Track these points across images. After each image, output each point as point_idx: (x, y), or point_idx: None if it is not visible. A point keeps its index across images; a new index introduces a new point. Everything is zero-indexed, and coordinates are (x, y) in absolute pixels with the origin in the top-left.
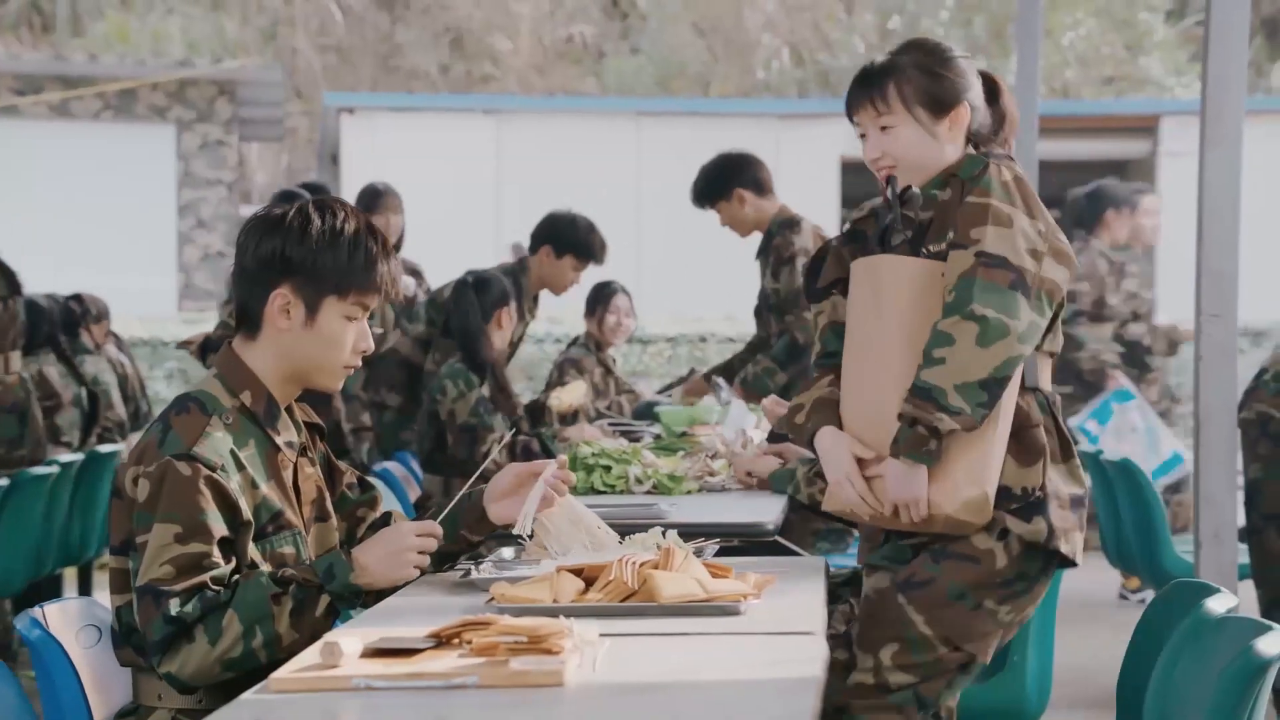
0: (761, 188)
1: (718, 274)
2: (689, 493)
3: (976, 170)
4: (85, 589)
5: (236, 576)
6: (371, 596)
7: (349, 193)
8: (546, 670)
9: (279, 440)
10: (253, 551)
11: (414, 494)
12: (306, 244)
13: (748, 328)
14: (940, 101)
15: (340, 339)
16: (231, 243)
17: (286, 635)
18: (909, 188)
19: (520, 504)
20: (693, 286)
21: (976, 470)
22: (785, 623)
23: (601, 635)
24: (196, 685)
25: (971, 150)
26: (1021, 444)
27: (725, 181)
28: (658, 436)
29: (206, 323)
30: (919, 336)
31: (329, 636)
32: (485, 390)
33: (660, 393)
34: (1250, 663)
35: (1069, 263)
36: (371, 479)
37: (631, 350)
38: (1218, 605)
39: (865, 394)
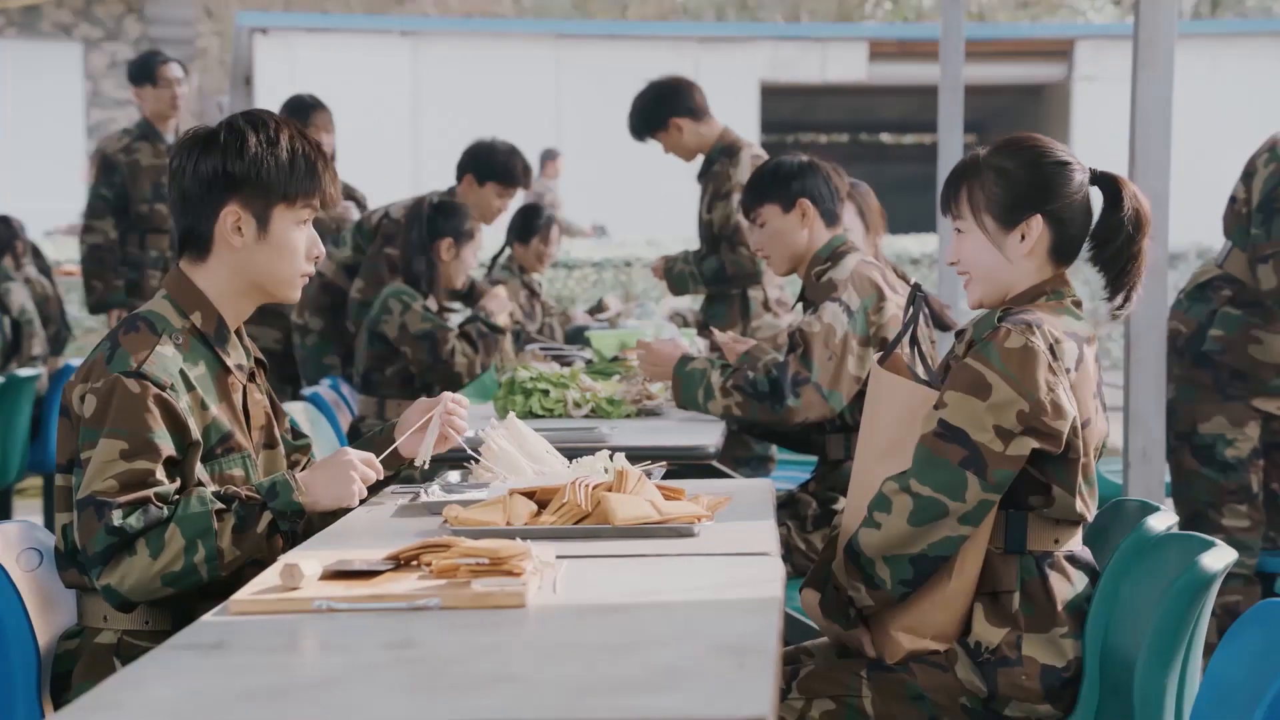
0: (697, 113)
1: (637, 198)
2: (627, 416)
3: (986, 332)
4: (4, 513)
5: (177, 497)
6: (317, 519)
7: None
8: (509, 592)
9: (229, 362)
10: (201, 472)
11: (344, 418)
12: (246, 157)
13: (672, 251)
14: (1009, 211)
15: (295, 246)
16: None
17: (228, 551)
18: (922, 298)
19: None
20: (612, 210)
21: (916, 626)
22: (740, 544)
23: (558, 557)
24: (135, 600)
25: (1052, 281)
26: (994, 604)
27: (658, 112)
28: (589, 361)
29: None
30: (894, 455)
31: (288, 558)
32: (431, 302)
33: (588, 312)
34: (1197, 577)
35: (1049, 440)
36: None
37: (557, 275)
38: (1158, 523)
39: (853, 496)
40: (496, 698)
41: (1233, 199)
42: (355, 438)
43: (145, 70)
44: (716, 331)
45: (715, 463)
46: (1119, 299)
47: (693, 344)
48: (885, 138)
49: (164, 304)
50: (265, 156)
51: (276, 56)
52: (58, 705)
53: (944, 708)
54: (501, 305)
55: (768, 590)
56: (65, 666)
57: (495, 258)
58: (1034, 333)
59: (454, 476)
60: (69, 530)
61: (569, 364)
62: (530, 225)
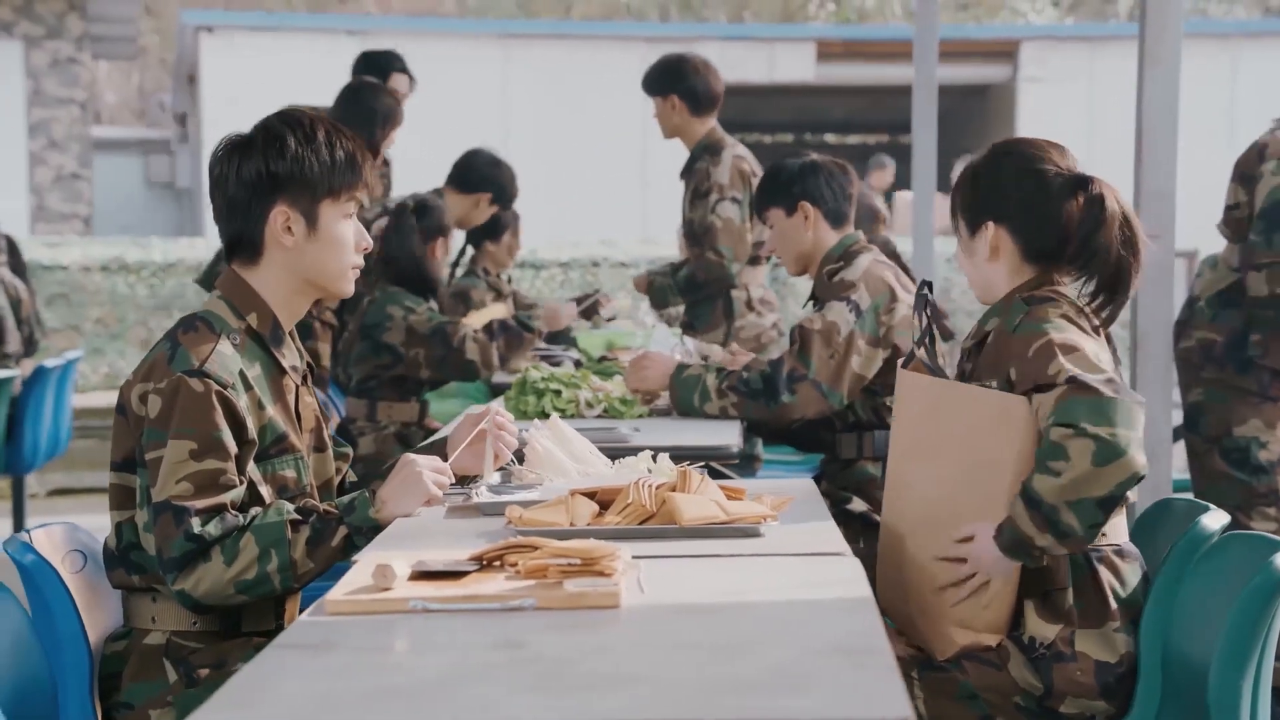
0: (699, 104)
1: (587, 197)
2: (640, 416)
3: (1017, 318)
4: None
5: (256, 509)
6: None
7: (210, 113)
8: (603, 592)
9: (284, 363)
10: (253, 472)
11: (332, 420)
12: (288, 156)
13: (632, 252)
14: (970, 215)
15: (344, 240)
16: (86, 164)
17: (301, 563)
18: (927, 297)
19: (476, 455)
20: (563, 210)
21: (968, 620)
22: (809, 544)
23: (634, 557)
24: (207, 605)
25: (1042, 278)
26: (1046, 601)
27: (665, 81)
28: (577, 363)
29: (66, 245)
30: (917, 452)
31: (379, 558)
32: (433, 304)
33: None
34: (1271, 578)
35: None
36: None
37: (524, 275)
38: (1212, 522)
39: (888, 498)
40: (627, 697)
41: (1234, 206)
42: (345, 438)
43: (377, 70)
44: (717, 348)
45: (714, 463)
46: (1105, 313)
47: (682, 343)
48: (830, 138)
49: (220, 305)
50: (306, 154)
51: (222, 55)
52: (105, 707)
53: (998, 706)
54: (555, 321)
55: (857, 590)
56: (113, 668)
57: (455, 261)
58: (1062, 301)
59: (496, 478)
60: (125, 527)
61: (557, 364)
62: (499, 222)
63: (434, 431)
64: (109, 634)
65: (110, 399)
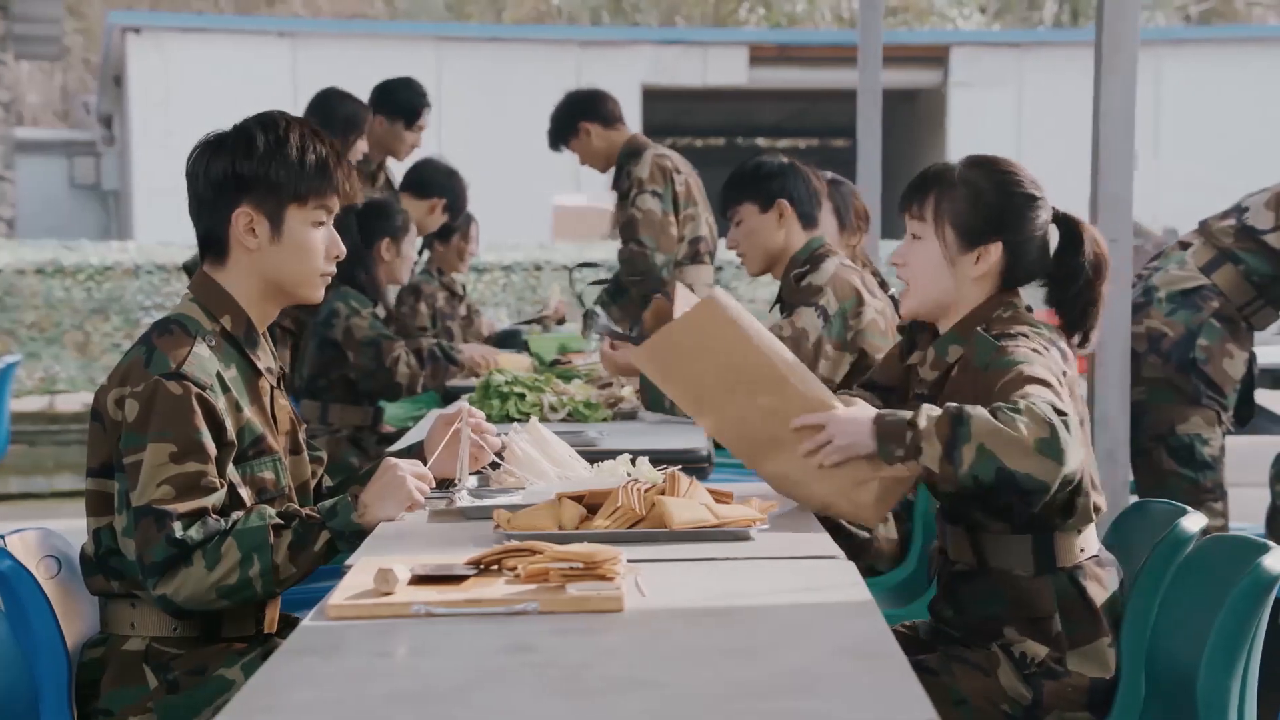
0: (608, 119)
1: (521, 200)
2: (604, 420)
3: (988, 355)
4: None
5: (238, 513)
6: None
7: (137, 115)
8: (606, 596)
9: (259, 365)
10: (232, 474)
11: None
12: (255, 157)
13: (573, 255)
14: (972, 231)
15: (311, 246)
16: (9, 166)
17: (284, 567)
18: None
19: (455, 458)
20: (498, 213)
21: (846, 490)
22: (800, 548)
23: (629, 561)
24: (189, 610)
25: (1001, 297)
26: (1032, 627)
27: (570, 118)
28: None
29: None
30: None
31: (373, 563)
32: (379, 310)
33: (521, 324)
34: (1260, 580)
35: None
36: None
37: (465, 278)
38: (1192, 525)
39: (751, 421)
40: (649, 701)
41: (1254, 229)
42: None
43: (407, 108)
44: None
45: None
46: (1077, 338)
47: (597, 316)
48: (762, 142)
49: (192, 307)
50: (275, 157)
51: (150, 56)
52: (83, 714)
53: (985, 712)
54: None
55: (857, 593)
56: (92, 675)
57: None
58: (1030, 340)
59: (472, 482)
60: (103, 533)
61: None
62: (449, 223)
63: (387, 436)
64: (86, 640)
65: (44, 404)
